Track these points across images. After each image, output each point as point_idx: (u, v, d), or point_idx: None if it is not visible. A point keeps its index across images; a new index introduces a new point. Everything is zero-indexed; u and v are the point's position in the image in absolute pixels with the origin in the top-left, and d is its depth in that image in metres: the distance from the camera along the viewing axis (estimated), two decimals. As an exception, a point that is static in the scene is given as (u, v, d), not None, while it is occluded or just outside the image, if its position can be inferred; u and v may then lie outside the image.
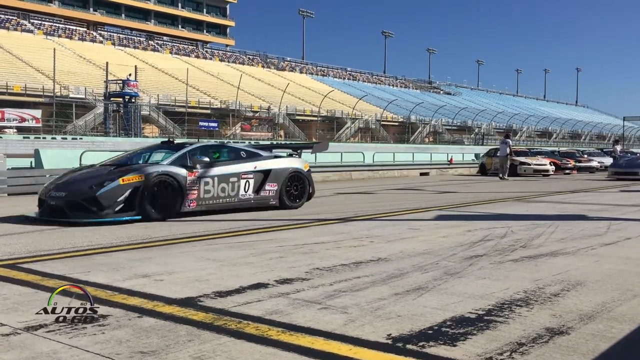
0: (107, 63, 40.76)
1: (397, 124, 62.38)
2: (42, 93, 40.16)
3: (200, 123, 44.24)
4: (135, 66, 42.28)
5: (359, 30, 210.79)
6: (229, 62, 73.02)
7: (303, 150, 11.12)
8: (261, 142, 36.03)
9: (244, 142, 37.40)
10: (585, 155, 29.63)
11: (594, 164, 27.49)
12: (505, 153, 20.51)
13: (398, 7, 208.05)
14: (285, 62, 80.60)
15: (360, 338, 2.86)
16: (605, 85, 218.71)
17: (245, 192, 8.93)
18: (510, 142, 21.14)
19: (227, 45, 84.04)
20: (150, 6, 77.38)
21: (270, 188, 9.24)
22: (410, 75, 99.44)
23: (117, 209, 7.42)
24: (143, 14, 77.31)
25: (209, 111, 49.13)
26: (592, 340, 2.85)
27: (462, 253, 5.23)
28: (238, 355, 2.64)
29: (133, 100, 38.51)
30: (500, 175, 20.19)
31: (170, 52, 68.94)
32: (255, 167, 9.11)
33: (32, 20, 61.85)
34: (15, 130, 32.81)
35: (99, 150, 19.82)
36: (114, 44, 65.33)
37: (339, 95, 64.39)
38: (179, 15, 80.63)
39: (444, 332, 2.96)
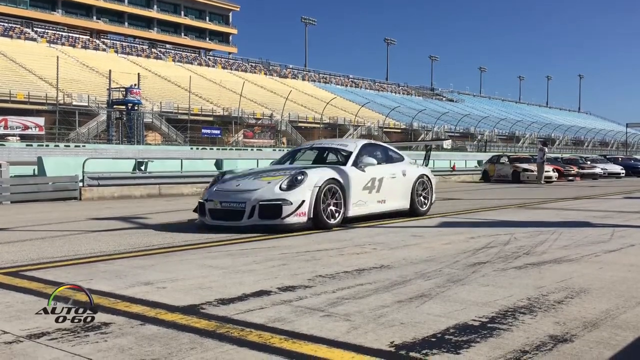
0: (110, 71, 40.99)
1: (399, 130, 62.44)
2: (45, 101, 40.33)
3: (202, 130, 44.42)
4: (138, 74, 42.46)
5: (362, 38, 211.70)
6: (231, 69, 73.27)
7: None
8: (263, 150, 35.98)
9: (247, 150, 37.47)
10: (589, 162, 29.55)
11: (597, 170, 27.40)
12: (541, 160, 22.26)
13: (400, 14, 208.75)
14: (288, 70, 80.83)
15: (363, 346, 2.85)
16: (608, 92, 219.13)
17: None
18: (546, 149, 22.88)
19: (229, 53, 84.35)
20: (153, 14, 77.78)
21: None
22: (413, 83, 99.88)
23: None
24: (146, 22, 77.71)
25: (211, 118, 49.27)
26: (596, 347, 2.83)
27: (465, 260, 5.22)
28: (241, 363, 2.63)
29: (136, 108, 38.68)
30: (541, 182, 21.98)
31: (173, 60, 69.23)
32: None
33: (35, 29, 62.20)
34: (18, 138, 32.94)
35: (102, 158, 19.89)
36: (117, 51, 65.65)
37: (342, 102, 64.56)
38: (181, 23, 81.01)
39: (447, 340, 2.95)
